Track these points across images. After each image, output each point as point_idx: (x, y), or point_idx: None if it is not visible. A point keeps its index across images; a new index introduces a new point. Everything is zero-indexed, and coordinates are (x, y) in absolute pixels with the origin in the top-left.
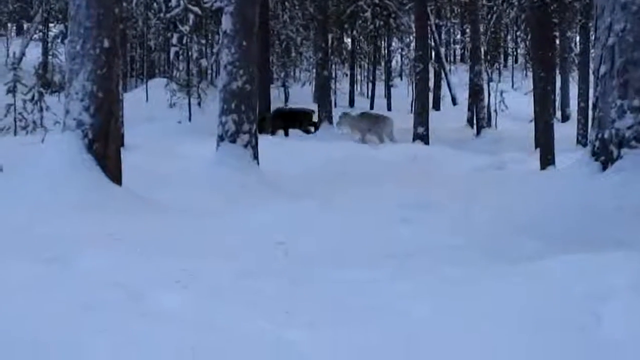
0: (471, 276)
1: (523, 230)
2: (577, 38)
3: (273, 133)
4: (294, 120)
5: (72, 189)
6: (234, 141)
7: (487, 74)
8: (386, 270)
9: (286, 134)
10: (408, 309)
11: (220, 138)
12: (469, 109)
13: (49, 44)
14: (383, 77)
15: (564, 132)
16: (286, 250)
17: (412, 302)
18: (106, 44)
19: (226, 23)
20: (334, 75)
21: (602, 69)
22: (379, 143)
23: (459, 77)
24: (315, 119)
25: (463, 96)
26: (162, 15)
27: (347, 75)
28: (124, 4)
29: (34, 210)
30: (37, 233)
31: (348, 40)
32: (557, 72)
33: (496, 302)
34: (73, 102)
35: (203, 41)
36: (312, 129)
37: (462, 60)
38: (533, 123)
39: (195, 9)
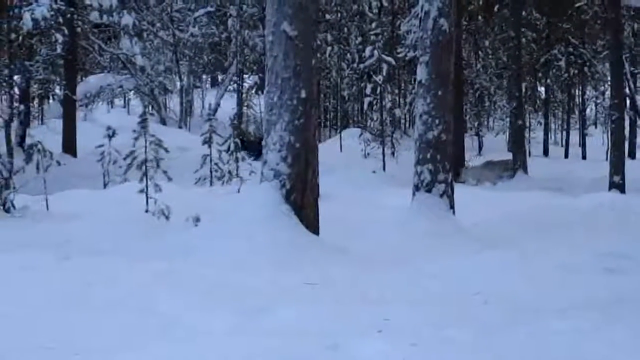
0: None
1: None
2: None
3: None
4: None
5: (270, 239)
6: (429, 191)
7: None
8: (589, 319)
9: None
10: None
11: (416, 187)
12: None
13: (244, 95)
14: (577, 126)
15: None
16: (485, 300)
17: (614, 352)
18: (303, 94)
19: (421, 73)
20: (528, 124)
21: None
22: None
23: None
24: None
25: None
26: (355, 65)
27: (541, 124)
28: (319, 55)
29: (234, 261)
30: (237, 284)
31: (542, 89)
32: None
33: None
34: (271, 152)
35: (396, 91)
36: None
37: None
38: None
39: (389, 59)
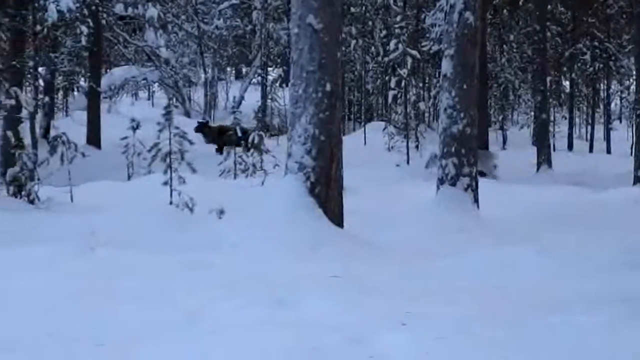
0: None
1: None
2: None
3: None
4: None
5: (295, 232)
6: (454, 184)
7: None
8: (611, 314)
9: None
10: (633, 356)
11: (440, 181)
12: None
13: (268, 88)
14: (602, 120)
15: None
16: (510, 294)
17: (636, 346)
18: (328, 87)
19: (446, 66)
20: (552, 118)
21: None
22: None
23: None
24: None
25: None
26: (380, 59)
27: (565, 118)
28: (343, 48)
29: (258, 253)
30: (261, 276)
31: (566, 83)
32: None
33: None
34: (295, 145)
35: (421, 84)
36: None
37: None
38: None
39: (414, 52)
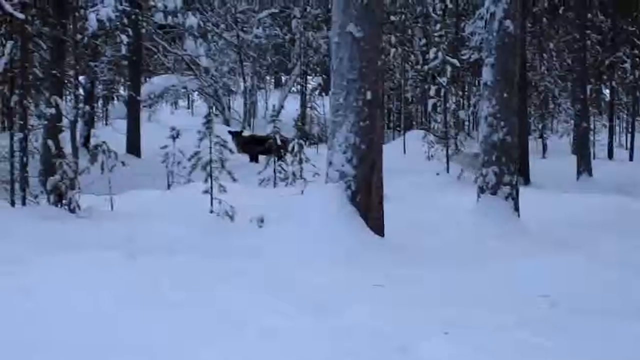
0: None
1: None
2: None
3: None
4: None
5: (336, 241)
6: (494, 193)
7: None
8: None
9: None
10: None
11: (481, 190)
12: None
13: (307, 96)
14: None
15: None
16: (553, 302)
17: None
18: (369, 96)
19: (486, 74)
20: (592, 126)
21: None
22: None
23: None
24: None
25: None
26: (419, 67)
27: (605, 126)
28: (382, 57)
29: (299, 262)
30: (303, 285)
31: (607, 91)
32: None
33: None
34: (336, 153)
35: (460, 92)
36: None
37: None
38: None
39: (453, 60)
